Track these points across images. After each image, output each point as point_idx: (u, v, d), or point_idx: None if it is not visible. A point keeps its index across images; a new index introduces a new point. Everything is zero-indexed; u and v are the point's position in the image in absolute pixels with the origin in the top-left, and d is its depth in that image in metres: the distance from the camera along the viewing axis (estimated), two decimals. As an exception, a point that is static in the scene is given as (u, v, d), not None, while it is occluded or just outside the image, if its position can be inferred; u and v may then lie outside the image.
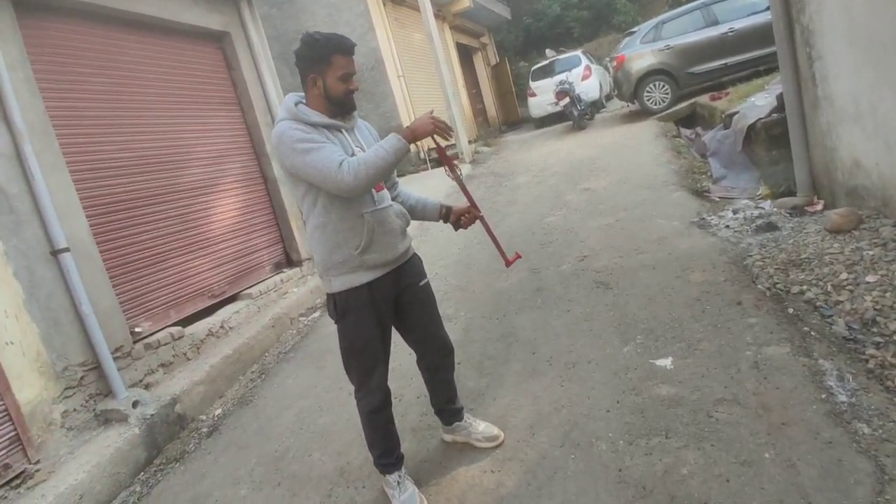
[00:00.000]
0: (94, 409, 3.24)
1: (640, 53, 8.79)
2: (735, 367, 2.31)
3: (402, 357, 2.77)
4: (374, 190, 1.91)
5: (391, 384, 2.92)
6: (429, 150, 10.61)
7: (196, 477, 2.77)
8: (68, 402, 3.13)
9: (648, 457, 1.95)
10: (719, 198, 4.73)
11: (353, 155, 1.85)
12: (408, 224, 2.09)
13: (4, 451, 2.79)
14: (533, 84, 12.72)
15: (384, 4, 10.20)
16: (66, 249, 3.23)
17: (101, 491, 2.81)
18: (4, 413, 2.83)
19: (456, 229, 2.21)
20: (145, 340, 3.70)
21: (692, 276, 3.24)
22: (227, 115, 5.11)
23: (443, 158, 2.05)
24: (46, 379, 3.04)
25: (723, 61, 8.12)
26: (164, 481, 2.84)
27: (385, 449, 2.09)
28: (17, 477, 2.79)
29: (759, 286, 2.92)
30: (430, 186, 8.60)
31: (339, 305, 1.96)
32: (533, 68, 13.45)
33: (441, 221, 2.20)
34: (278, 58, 9.54)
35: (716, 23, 8.11)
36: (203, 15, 4.84)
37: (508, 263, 2.26)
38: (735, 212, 4.15)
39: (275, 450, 2.76)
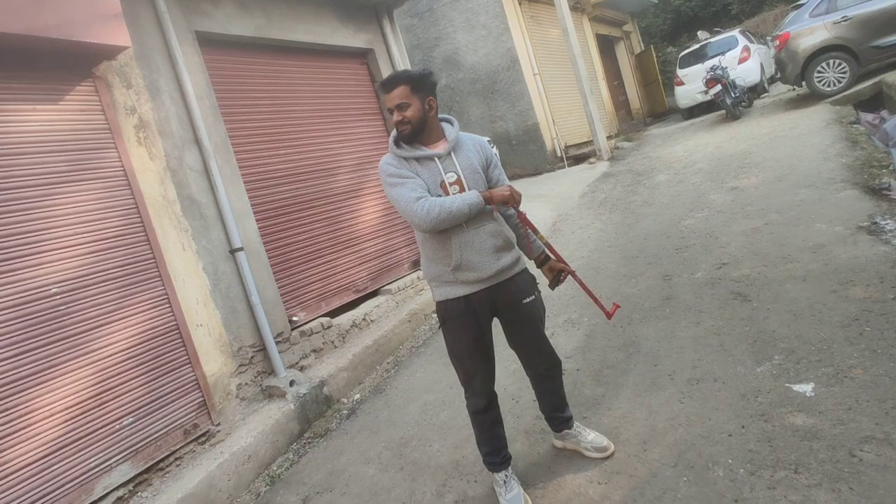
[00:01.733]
0: (260, 385, 3.82)
1: (811, 28, 7.71)
2: (892, 401, 2.03)
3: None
4: None
5: (511, 385, 3.08)
6: (566, 147, 10.46)
7: (335, 453, 3.16)
8: (241, 377, 3.75)
9: (771, 491, 1.82)
10: (902, 197, 4.04)
11: (441, 183, 2.01)
12: (506, 243, 2.09)
13: (195, 413, 3.44)
14: (680, 72, 11.79)
15: (520, 3, 10.22)
16: (241, 249, 3.84)
17: (264, 454, 3.33)
18: (195, 382, 3.49)
19: (552, 288, 2.27)
20: (300, 328, 4.24)
21: (851, 292, 2.86)
22: (370, 124, 5.59)
23: (524, 222, 2.17)
24: (226, 356, 3.67)
25: (920, 30, 6.82)
26: (311, 453, 3.28)
27: (491, 448, 2.21)
28: (203, 435, 3.42)
29: (939, 307, 2.50)
30: (565, 184, 8.51)
31: (440, 313, 2.14)
32: (681, 54, 12.46)
33: (536, 265, 2.27)
34: (420, 64, 10.12)
35: (909, -16, 6.84)
36: (350, 36, 5.36)
37: (610, 316, 2.29)
38: (920, 215, 3.53)
39: (400, 437, 3.04)
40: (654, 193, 6.33)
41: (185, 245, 3.61)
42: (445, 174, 2.03)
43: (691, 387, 2.54)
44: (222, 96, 4.14)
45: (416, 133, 2.03)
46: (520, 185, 5.78)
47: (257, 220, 4.14)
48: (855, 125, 6.34)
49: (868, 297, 2.77)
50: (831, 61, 7.59)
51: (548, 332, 2.41)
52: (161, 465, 3.21)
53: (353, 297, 4.96)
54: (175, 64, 3.75)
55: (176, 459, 3.28)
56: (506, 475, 2.18)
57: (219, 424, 3.51)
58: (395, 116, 2.01)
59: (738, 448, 2.06)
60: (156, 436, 3.23)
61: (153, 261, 3.43)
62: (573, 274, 2.23)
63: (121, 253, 3.28)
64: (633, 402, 2.58)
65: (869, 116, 6.49)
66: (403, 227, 5.66)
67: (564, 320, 3.76)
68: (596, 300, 2.32)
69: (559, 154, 10.25)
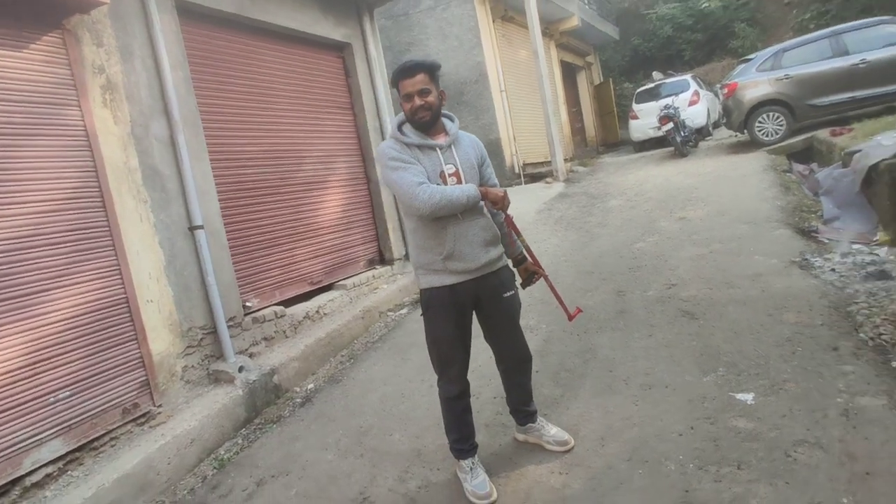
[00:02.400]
0: (207, 368, 3.69)
1: (756, 81, 8.40)
2: (822, 412, 2.25)
3: (482, 358, 2.94)
4: None
5: (471, 381, 3.12)
6: (523, 164, 10.77)
7: (290, 438, 3.10)
8: (189, 358, 3.60)
9: (717, 483, 1.97)
10: (828, 239, 4.47)
11: (441, 173, 2.07)
12: (494, 238, 2.21)
13: (136, 392, 3.27)
14: (636, 106, 12.48)
15: (493, 21, 10.50)
16: (201, 227, 3.71)
17: (209, 439, 3.22)
18: (139, 360, 3.32)
19: (524, 287, 2.40)
20: (253, 315, 4.13)
21: (785, 316, 3.14)
22: (340, 118, 5.56)
23: (510, 225, 2.31)
24: (174, 336, 3.53)
25: (850, 94, 7.59)
26: (263, 438, 3.20)
27: (460, 435, 2.27)
28: (143, 416, 3.26)
29: (860, 335, 2.79)
30: (522, 200, 8.73)
31: (424, 300, 2.20)
32: (638, 90, 13.19)
33: (512, 265, 2.39)
34: (390, 66, 10.16)
35: (845, 53, 7.61)
36: (330, 28, 5.34)
37: (571, 318, 2.44)
38: (844, 255, 3.92)
39: (359, 425, 3.04)
40: (608, 216, 6.64)
41: (143, 216, 3.46)
42: (445, 165, 2.09)
43: (644, 391, 2.70)
44: (196, 70, 4.01)
45: (434, 120, 2.08)
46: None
47: (220, 200, 4.02)
48: (788, 173, 6.95)
49: (799, 321, 3.05)
50: (771, 113, 8.28)
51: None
52: (95, 444, 3.03)
53: (308, 288, 4.89)
54: (151, 29, 3.61)
55: (112, 439, 3.10)
56: (472, 462, 2.24)
57: (160, 406, 3.36)
58: (416, 101, 2.03)
59: (687, 446, 2.22)
60: (92, 413, 3.05)
61: (107, 229, 3.26)
62: (546, 277, 2.35)
63: (73, 217, 3.10)
64: (590, 403, 2.71)
65: (800, 167, 7.13)
66: (362, 224, 5.64)
67: (523, 326, 3.85)
68: (561, 302, 2.46)
69: (517, 171, 10.54)
